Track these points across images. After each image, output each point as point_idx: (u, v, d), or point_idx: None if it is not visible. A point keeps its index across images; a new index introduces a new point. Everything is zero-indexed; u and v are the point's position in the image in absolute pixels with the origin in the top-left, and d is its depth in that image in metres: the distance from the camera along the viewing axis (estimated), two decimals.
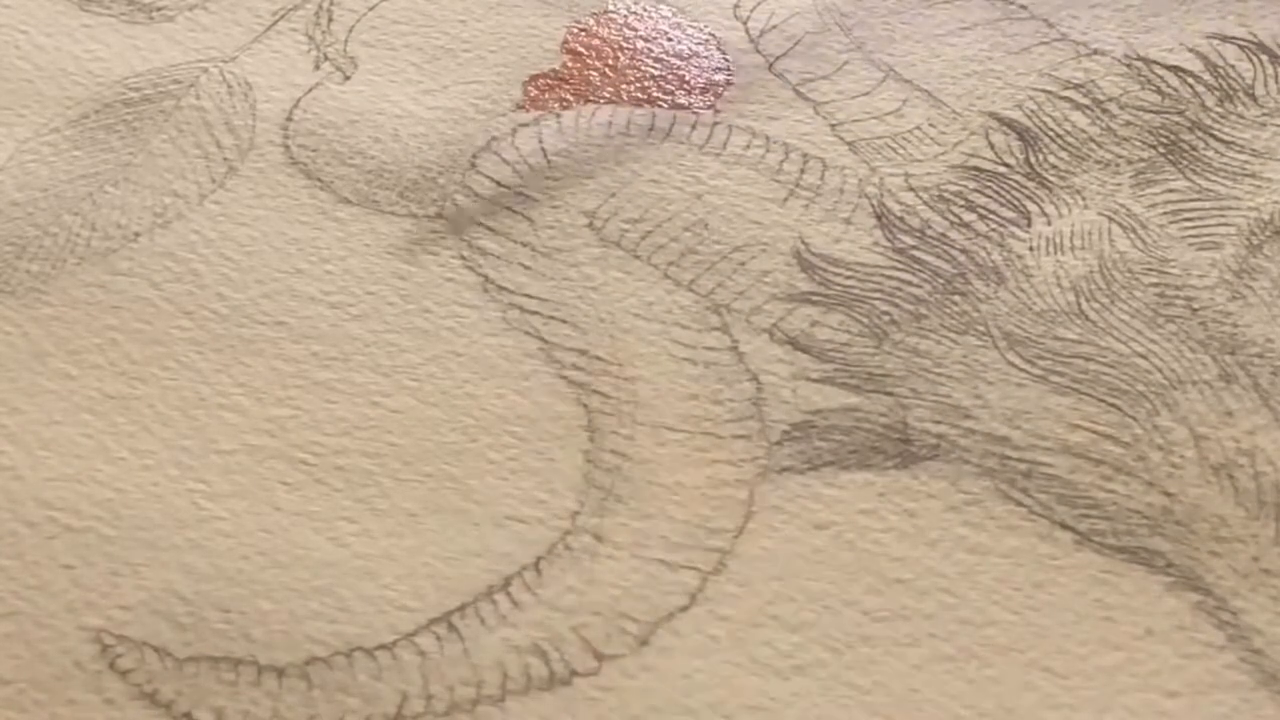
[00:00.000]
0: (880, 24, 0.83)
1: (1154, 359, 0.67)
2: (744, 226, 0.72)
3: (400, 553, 0.59)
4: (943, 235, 0.72)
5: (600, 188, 0.74)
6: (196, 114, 0.76)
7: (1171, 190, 0.74)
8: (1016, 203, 0.74)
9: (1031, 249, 0.72)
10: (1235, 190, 0.74)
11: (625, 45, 0.81)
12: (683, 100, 0.78)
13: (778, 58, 0.81)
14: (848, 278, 0.70)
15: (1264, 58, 0.81)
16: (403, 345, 0.67)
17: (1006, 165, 0.76)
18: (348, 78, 0.79)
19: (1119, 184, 0.75)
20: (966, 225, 0.73)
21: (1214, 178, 0.75)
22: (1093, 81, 0.80)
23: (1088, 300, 0.69)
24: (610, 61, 0.80)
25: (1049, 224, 0.73)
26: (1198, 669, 0.57)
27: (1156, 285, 0.70)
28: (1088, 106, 0.79)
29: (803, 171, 0.75)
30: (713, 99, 0.78)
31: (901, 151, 0.76)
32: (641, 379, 0.66)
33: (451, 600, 0.58)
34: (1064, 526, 0.61)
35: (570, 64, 0.80)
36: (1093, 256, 0.71)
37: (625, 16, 0.83)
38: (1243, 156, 0.76)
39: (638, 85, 0.79)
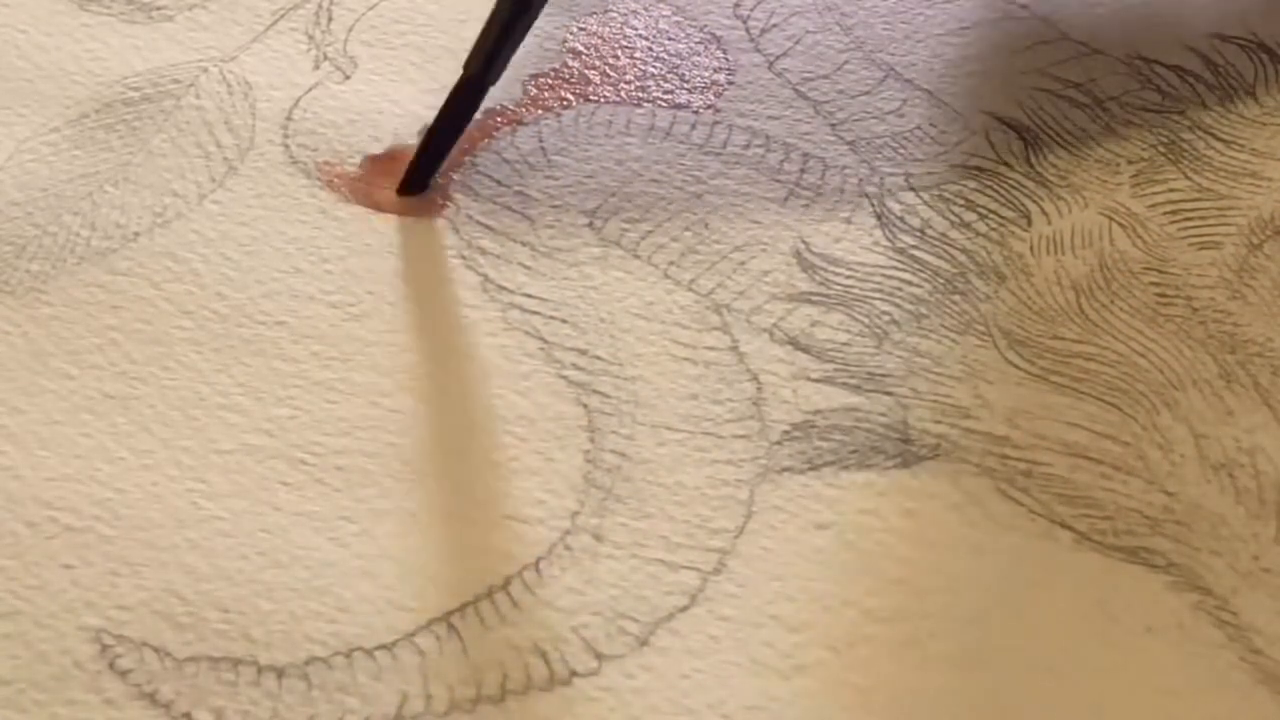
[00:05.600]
0: (880, 24, 0.83)
1: (1154, 358, 0.67)
2: (744, 226, 0.72)
3: (400, 553, 0.59)
4: (943, 235, 0.72)
5: (600, 188, 0.74)
6: (196, 114, 0.76)
7: (1172, 190, 0.74)
8: (1016, 202, 0.74)
9: (1031, 248, 0.72)
10: (1236, 189, 0.74)
11: (625, 44, 0.81)
12: (683, 99, 0.78)
13: (778, 57, 0.81)
14: (848, 278, 0.70)
15: (1264, 57, 0.81)
16: (403, 345, 0.67)
17: (1007, 164, 0.76)
18: (347, 77, 0.79)
19: (1119, 183, 0.75)
20: (966, 225, 0.73)
21: (1214, 177, 0.75)
22: (1093, 80, 0.80)
23: (1088, 299, 0.69)
24: (610, 60, 0.80)
25: (1049, 223, 0.73)
26: (1197, 668, 0.57)
27: (1156, 284, 0.70)
28: (1088, 105, 0.79)
29: (803, 171, 0.75)
30: (713, 98, 0.78)
31: (902, 151, 0.76)
32: (641, 379, 0.66)
33: (451, 600, 0.58)
34: (1064, 526, 0.61)
35: (570, 63, 0.80)
36: (1093, 256, 0.71)
37: (625, 15, 0.83)
38: (1243, 156, 0.76)
39: (638, 84, 0.79)
